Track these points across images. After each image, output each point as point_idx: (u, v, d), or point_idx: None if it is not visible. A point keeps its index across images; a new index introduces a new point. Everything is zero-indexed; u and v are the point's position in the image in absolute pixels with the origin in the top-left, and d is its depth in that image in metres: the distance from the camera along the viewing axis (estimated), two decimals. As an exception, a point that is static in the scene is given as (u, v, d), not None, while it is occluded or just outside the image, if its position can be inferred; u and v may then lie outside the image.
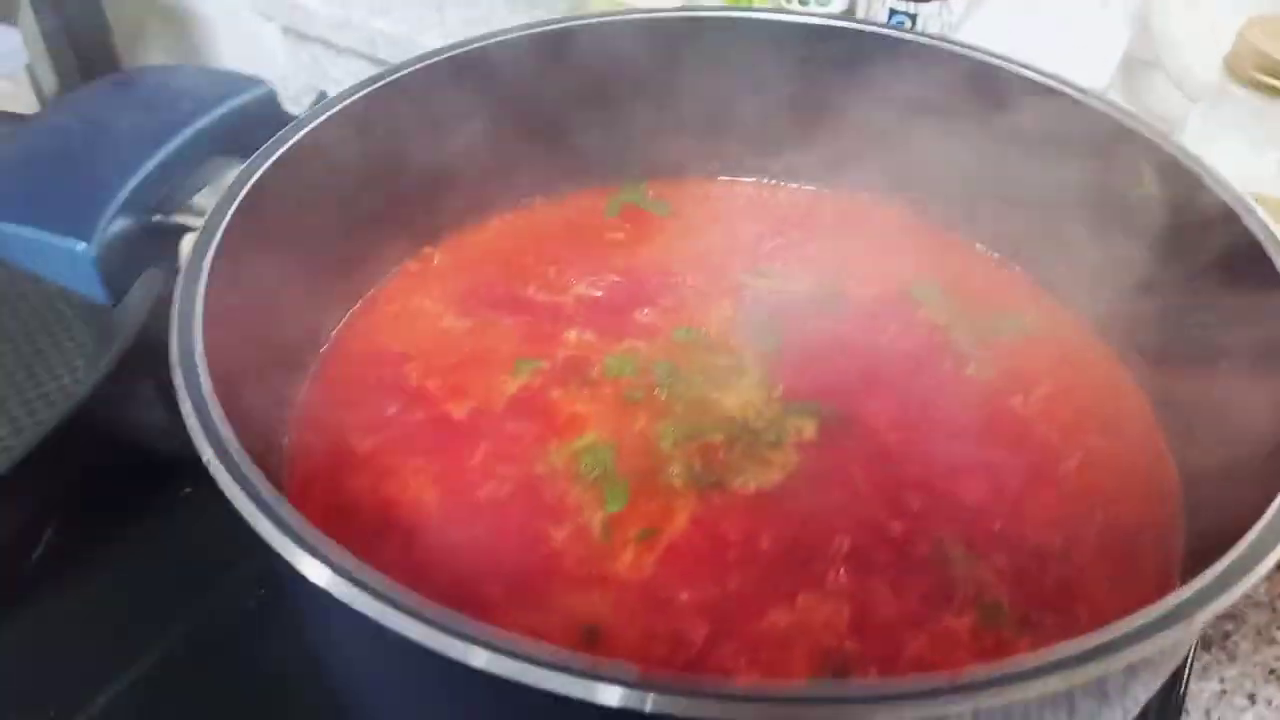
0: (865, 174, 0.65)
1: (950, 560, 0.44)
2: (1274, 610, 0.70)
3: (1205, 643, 0.69)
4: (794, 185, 0.67)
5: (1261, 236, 0.43)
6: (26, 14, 1.35)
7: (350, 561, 0.31)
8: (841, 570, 0.44)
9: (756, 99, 0.65)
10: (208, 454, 0.35)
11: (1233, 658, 0.68)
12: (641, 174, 0.67)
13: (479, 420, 0.51)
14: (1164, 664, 0.38)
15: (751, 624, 0.42)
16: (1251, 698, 0.65)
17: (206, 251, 0.43)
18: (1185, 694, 0.61)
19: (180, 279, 0.42)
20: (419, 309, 0.58)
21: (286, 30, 1.21)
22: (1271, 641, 0.69)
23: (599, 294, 0.59)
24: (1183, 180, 0.48)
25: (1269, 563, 0.32)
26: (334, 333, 0.56)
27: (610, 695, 0.27)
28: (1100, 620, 0.30)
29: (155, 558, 0.69)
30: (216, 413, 0.37)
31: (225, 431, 0.36)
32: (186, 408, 0.36)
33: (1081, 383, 0.53)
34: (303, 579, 0.31)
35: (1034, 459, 0.49)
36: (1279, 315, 0.43)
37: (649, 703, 0.27)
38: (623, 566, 0.44)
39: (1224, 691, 0.66)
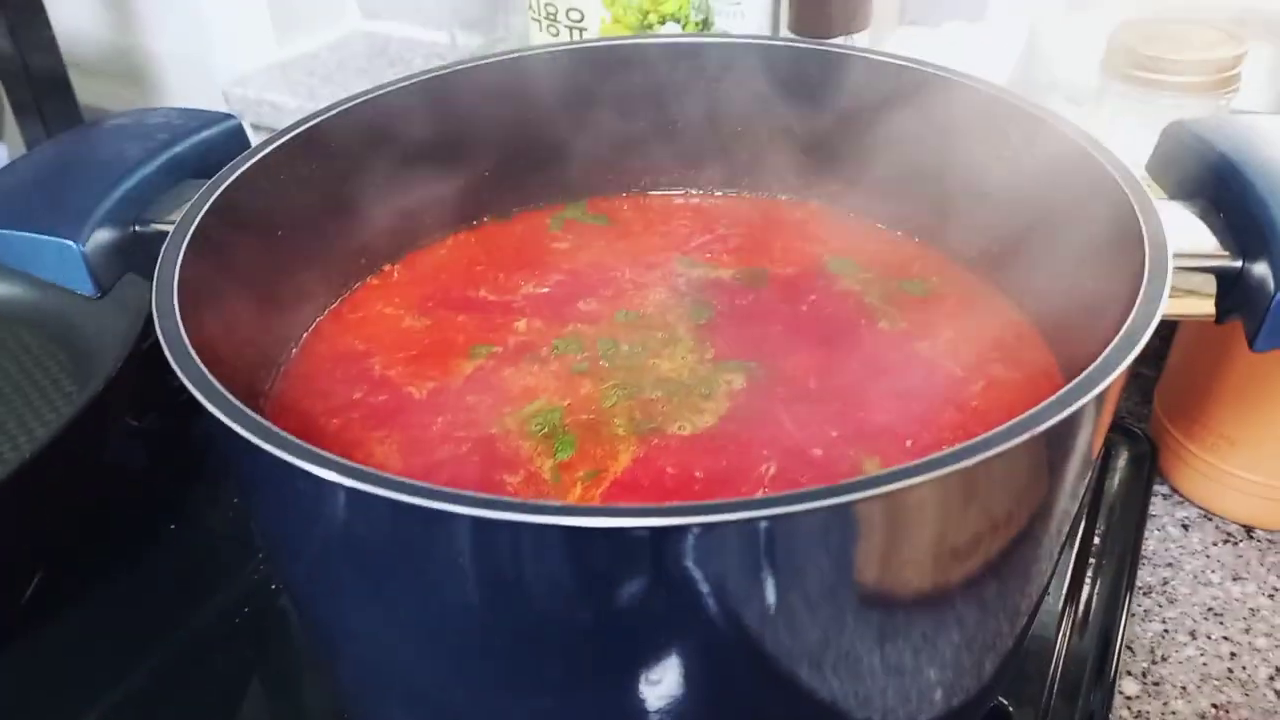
0: (781, 177, 0.72)
1: (864, 471, 0.49)
2: (1208, 556, 0.75)
3: (1146, 589, 0.73)
4: (719, 193, 0.74)
5: (1108, 165, 0.49)
6: (12, 130, 1.44)
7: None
8: (768, 490, 0.48)
9: (679, 118, 0.72)
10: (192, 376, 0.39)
11: (1172, 600, 0.72)
12: (581, 193, 0.73)
13: (438, 397, 0.56)
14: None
15: (689, 538, 0.46)
16: (1192, 634, 0.69)
17: (180, 247, 0.48)
18: (1123, 634, 0.65)
19: (156, 274, 0.47)
20: (380, 314, 0.63)
21: (256, 127, 1.30)
22: (1208, 584, 0.73)
23: (546, 290, 0.64)
24: (1043, 133, 0.54)
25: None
26: (303, 337, 0.61)
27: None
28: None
29: (142, 592, 0.72)
30: (190, 341, 0.41)
31: (197, 358, 0.40)
32: (171, 349, 0.40)
33: (982, 328, 0.58)
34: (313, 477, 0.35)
35: (941, 388, 0.54)
36: (1118, 237, 0.49)
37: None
38: (571, 500, 0.49)
39: (1166, 631, 0.70)
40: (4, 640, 0.67)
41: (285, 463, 0.35)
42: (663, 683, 0.40)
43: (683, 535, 0.34)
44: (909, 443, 0.51)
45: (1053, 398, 0.37)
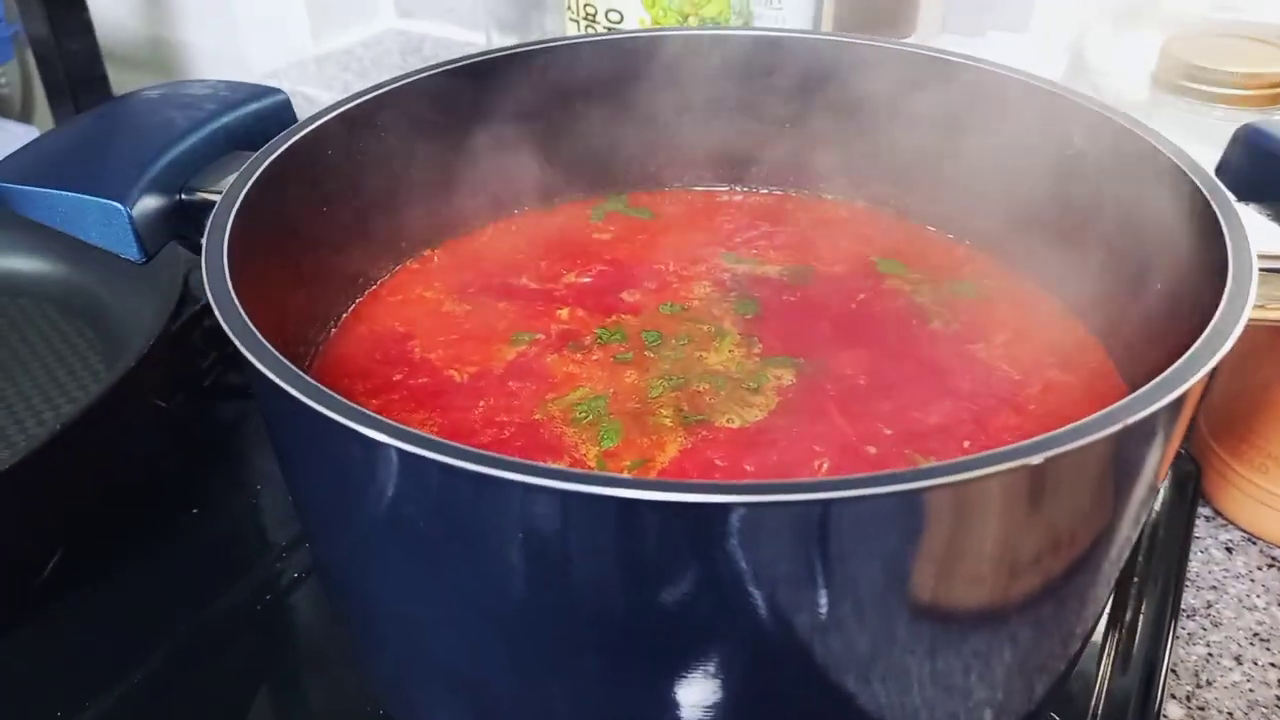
0: (827, 177, 0.71)
1: (924, 471, 0.47)
2: (1252, 580, 0.73)
3: (1190, 612, 0.71)
4: (764, 191, 0.73)
5: (1182, 164, 0.48)
6: (43, 117, 1.44)
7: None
8: (823, 484, 0.47)
9: (724, 114, 0.71)
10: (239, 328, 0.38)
11: (1216, 624, 0.70)
12: (623, 187, 0.72)
13: (479, 382, 0.55)
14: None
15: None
16: (1238, 659, 0.67)
17: (229, 215, 0.47)
18: (1168, 656, 0.63)
19: (206, 239, 0.46)
20: (420, 297, 0.62)
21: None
22: (1253, 608, 0.71)
23: (588, 280, 0.63)
24: (1109, 132, 0.53)
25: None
26: (342, 318, 0.60)
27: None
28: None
29: (159, 578, 0.71)
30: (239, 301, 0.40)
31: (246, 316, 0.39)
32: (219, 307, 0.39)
33: (1037, 332, 0.57)
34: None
35: (997, 391, 0.53)
36: (1191, 240, 0.47)
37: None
38: (618, 490, 0.47)
39: (1211, 655, 0.68)
40: (19, 618, 0.66)
41: (336, 424, 0.34)
42: (704, 674, 0.38)
43: (743, 513, 0.32)
44: (966, 444, 0.49)
45: (1132, 396, 0.36)
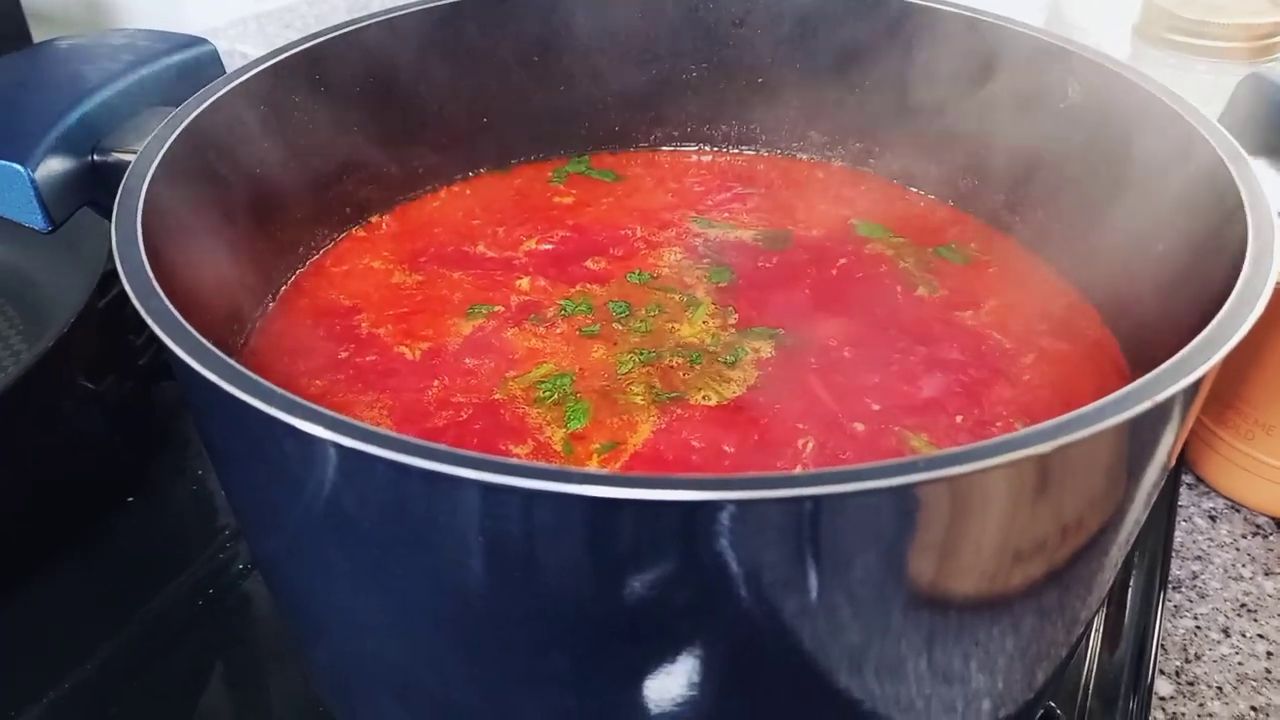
0: (801, 135, 0.67)
1: (915, 451, 0.44)
2: (1237, 549, 0.71)
3: (1176, 584, 0.69)
4: (735, 151, 0.68)
5: (1189, 117, 0.45)
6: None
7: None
8: (808, 466, 0.43)
9: (691, 68, 0.66)
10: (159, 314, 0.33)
11: (1203, 595, 0.68)
12: (584, 147, 0.68)
13: (433, 359, 0.50)
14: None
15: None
16: (1226, 631, 0.66)
17: (144, 177, 0.42)
18: (1158, 630, 0.61)
19: (117, 204, 0.41)
20: (367, 268, 0.57)
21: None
22: (1239, 578, 0.69)
23: (549, 247, 0.59)
24: (1108, 83, 0.49)
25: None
26: (281, 290, 0.55)
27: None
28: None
29: (98, 572, 0.66)
30: (155, 276, 0.35)
31: (163, 292, 0.35)
32: (130, 279, 0.34)
33: (1027, 296, 0.54)
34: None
35: (989, 361, 0.49)
36: (1199, 196, 0.44)
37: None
38: (587, 475, 0.43)
39: (1199, 628, 0.66)
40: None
41: (265, 415, 0.30)
42: (686, 678, 0.34)
43: (725, 511, 0.28)
44: (959, 418, 0.46)
45: (1149, 377, 0.32)
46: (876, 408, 0.46)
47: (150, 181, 0.42)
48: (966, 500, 0.30)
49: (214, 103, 0.48)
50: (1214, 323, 0.33)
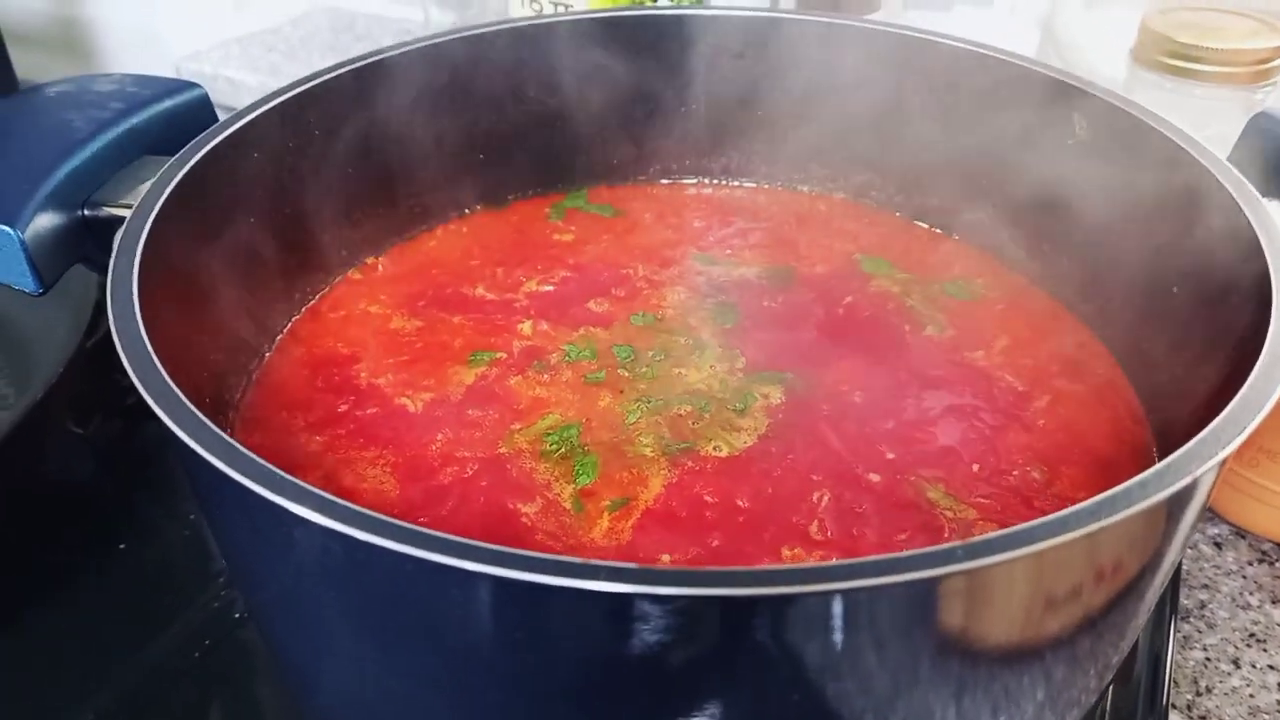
0: (802, 167, 0.66)
1: (933, 503, 0.43)
2: (1244, 577, 0.71)
3: (1184, 614, 0.68)
4: (735, 184, 0.68)
5: (1202, 160, 0.44)
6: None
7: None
8: (825, 521, 0.43)
9: (691, 101, 0.65)
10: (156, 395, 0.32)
11: (1212, 626, 0.67)
12: (582, 181, 0.67)
13: (436, 410, 0.49)
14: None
15: (738, 578, 0.40)
16: (1236, 662, 0.65)
17: (139, 235, 0.41)
18: (1170, 663, 0.60)
19: (112, 264, 0.40)
20: (365, 313, 0.56)
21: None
22: (1246, 607, 0.69)
23: (550, 289, 0.58)
24: (1116, 121, 0.49)
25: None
26: (277, 339, 0.54)
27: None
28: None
29: (88, 620, 0.64)
30: (151, 345, 0.34)
31: (160, 364, 0.33)
32: (128, 354, 0.33)
33: (1037, 335, 0.53)
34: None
35: (1003, 404, 0.49)
36: (1214, 239, 0.43)
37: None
38: (599, 535, 0.42)
39: (1209, 659, 0.65)
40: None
41: (256, 496, 0.28)
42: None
43: (764, 607, 0.27)
44: (975, 467, 0.45)
45: (1186, 450, 0.31)
46: (891, 456, 0.46)
47: (146, 239, 0.40)
48: (1008, 579, 0.29)
49: (210, 152, 0.46)
50: (1249, 384, 0.32)
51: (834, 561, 0.25)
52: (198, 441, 0.30)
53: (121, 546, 0.69)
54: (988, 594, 0.29)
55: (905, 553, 0.25)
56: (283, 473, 0.29)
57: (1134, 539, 0.32)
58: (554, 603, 0.26)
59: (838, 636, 0.27)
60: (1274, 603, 0.70)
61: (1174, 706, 0.63)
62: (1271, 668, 0.65)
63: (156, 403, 0.31)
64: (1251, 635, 0.67)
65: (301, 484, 0.28)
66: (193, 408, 0.32)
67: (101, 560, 0.66)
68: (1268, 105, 0.74)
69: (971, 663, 0.34)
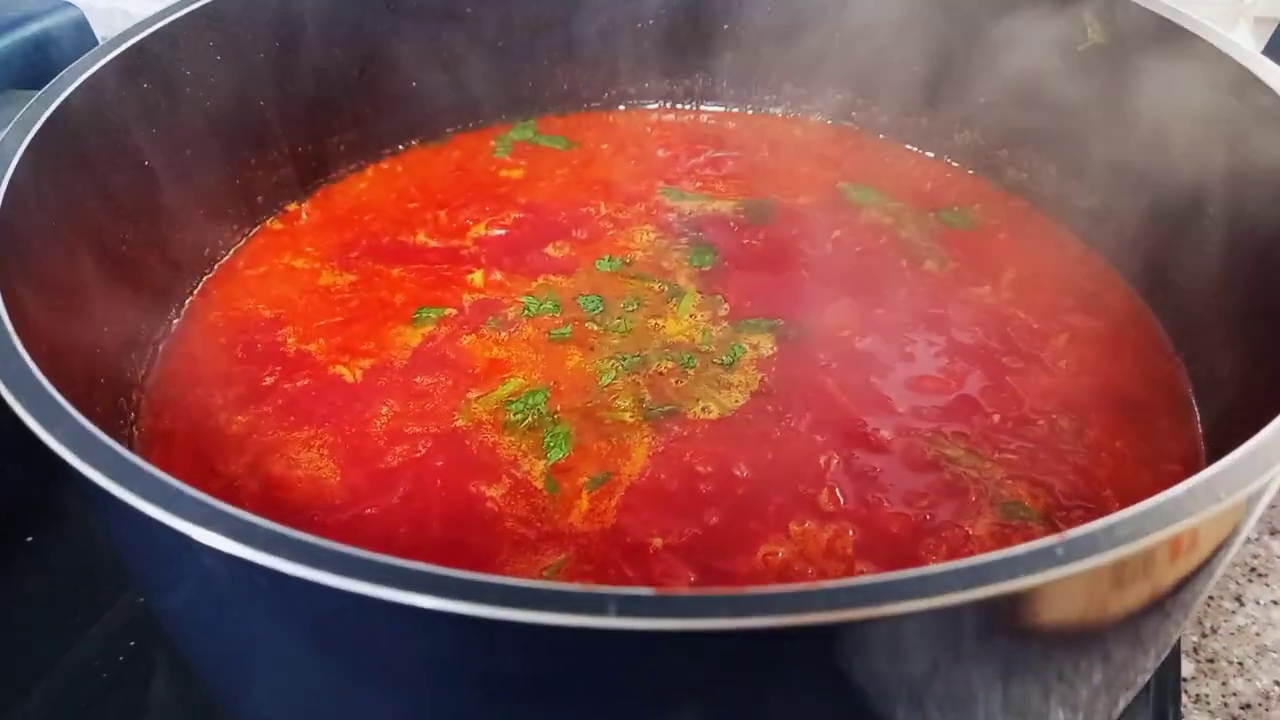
0: (774, 85, 0.60)
1: (954, 460, 0.38)
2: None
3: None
4: (703, 107, 0.61)
5: (1238, 58, 0.39)
6: None
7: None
8: (836, 489, 0.37)
9: (650, 16, 0.58)
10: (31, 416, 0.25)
11: (1209, 561, 0.64)
12: (530, 110, 0.59)
13: (378, 379, 0.42)
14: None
15: (743, 561, 0.35)
16: (1239, 599, 0.62)
17: (4, 172, 0.33)
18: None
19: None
20: (289, 269, 0.49)
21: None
22: (1246, 540, 0.66)
23: (501, 232, 0.51)
24: (1139, 22, 0.43)
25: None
26: (186, 302, 0.46)
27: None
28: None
29: (5, 614, 0.57)
30: (38, 372, 0.27)
31: (51, 389, 0.26)
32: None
33: (1046, 265, 0.48)
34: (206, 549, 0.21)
35: (1017, 343, 0.43)
36: (1260, 150, 0.38)
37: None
38: (578, 518, 0.36)
39: (1211, 598, 0.62)
40: None
41: (144, 516, 0.22)
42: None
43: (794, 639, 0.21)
44: (996, 417, 0.40)
45: (1244, 453, 0.26)
46: (902, 410, 0.40)
47: (5, 193, 0.33)
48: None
49: (85, 82, 0.38)
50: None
51: (910, 573, 0.20)
52: (70, 447, 0.23)
53: (30, 540, 0.61)
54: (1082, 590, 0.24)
55: (966, 565, 0.20)
56: (156, 470, 0.22)
57: (1222, 524, 0.27)
58: (553, 644, 0.20)
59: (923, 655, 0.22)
60: (1273, 534, 0.67)
61: (1182, 651, 0.60)
62: (1275, 603, 0.62)
63: (12, 394, 0.24)
64: (1252, 569, 0.64)
65: (180, 487, 0.22)
66: (63, 400, 0.25)
67: (7, 556, 0.58)
68: (1258, 9, 0.69)
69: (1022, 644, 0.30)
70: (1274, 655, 0.58)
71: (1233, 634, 0.60)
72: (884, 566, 0.35)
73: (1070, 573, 0.20)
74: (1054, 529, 0.36)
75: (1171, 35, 0.42)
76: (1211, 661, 0.59)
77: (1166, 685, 0.53)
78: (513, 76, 0.58)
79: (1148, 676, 0.38)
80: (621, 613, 0.19)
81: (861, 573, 0.34)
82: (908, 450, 0.39)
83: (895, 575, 0.20)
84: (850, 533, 0.36)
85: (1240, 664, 0.58)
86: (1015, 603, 0.22)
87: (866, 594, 0.20)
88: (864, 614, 0.20)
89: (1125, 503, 0.35)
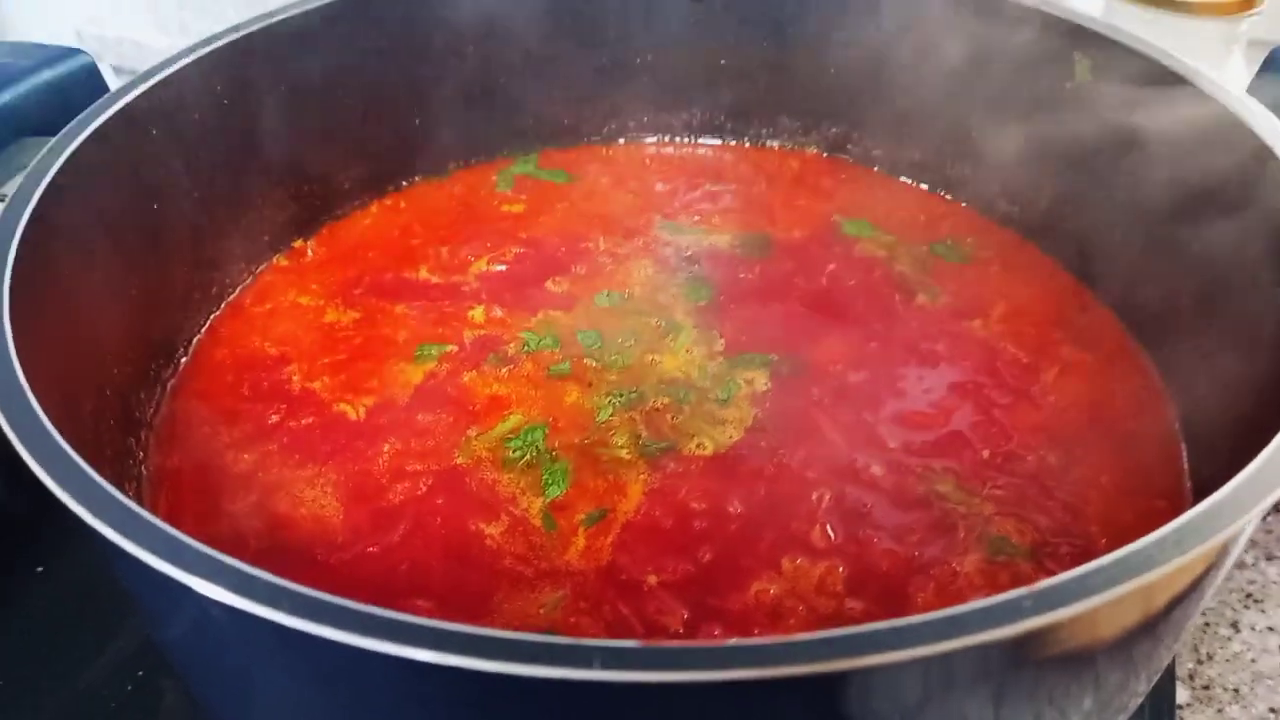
0: (771, 119, 0.61)
1: (944, 496, 0.39)
2: (1235, 532, 0.68)
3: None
4: (700, 141, 0.62)
5: (1232, 106, 0.40)
6: None
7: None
8: (827, 525, 0.38)
9: (649, 52, 0.59)
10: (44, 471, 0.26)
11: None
12: (530, 144, 0.61)
13: (381, 417, 0.43)
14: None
15: (735, 598, 0.36)
16: (1235, 625, 0.62)
17: (10, 238, 0.34)
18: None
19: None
20: (294, 305, 0.50)
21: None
22: (1242, 565, 0.66)
23: (502, 268, 0.52)
24: (1122, 58, 0.44)
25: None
26: (194, 341, 0.47)
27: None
28: (1117, 543, 0.24)
29: (9, 646, 0.58)
30: (42, 414, 0.28)
31: (60, 440, 0.27)
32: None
33: (1037, 298, 0.49)
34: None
35: (1009, 379, 0.44)
36: (1243, 184, 0.39)
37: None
38: (575, 556, 0.37)
39: (1207, 624, 0.63)
40: None
41: (149, 567, 0.23)
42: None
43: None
44: (986, 453, 0.41)
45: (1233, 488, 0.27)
46: (893, 445, 0.41)
47: (20, 239, 0.34)
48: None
49: (96, 131, 0.40)
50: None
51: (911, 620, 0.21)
52: (77, 499, 0.24)
53: (39, 570, 0.62)
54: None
55: (967, 610, 0.21)
56: (160, 523, 0.23)
57: (1212, 557, 0.27)
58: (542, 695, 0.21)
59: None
60: (1269, 559, 0.67)
61: (1176, 678, 0.60)
62: (1271, 629, 0.62)
63: (20, 440, 0.25)
64: (1248, 595, 0.64)
65: (190, 544, 0.23)
66: (67, 448, 0.26)
67: (14, 586, 0.59)
68: (1251, 34, 0.70)
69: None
70: (1269, 682, 0.59)
71: (1228, 660, 0.60)
72: (873, 603, 0.35)
73: (1040, 624, 0.21)
74: (1040, 566, 0.37)
75: (1158, 75, 0.43)
76: (1207, 688, 0.59)
77: (1161, 712, 0.54)
78: (514, 111, 0.59)
79: (1140, 700, 0.38)
80: (606, 665, 0.20)
81: (851, 610, 0.35)
82: (898, 486, 0.39)
83: (872, 627, 0.21)
84: (841, 569, 0.36)
85: (1236, 690, 0.59)
86: (989, 650, 0.23)
87: (844, 645, 0.21)
88: (842, 666, 0.21)
89: (1111, 539, 0.36)
